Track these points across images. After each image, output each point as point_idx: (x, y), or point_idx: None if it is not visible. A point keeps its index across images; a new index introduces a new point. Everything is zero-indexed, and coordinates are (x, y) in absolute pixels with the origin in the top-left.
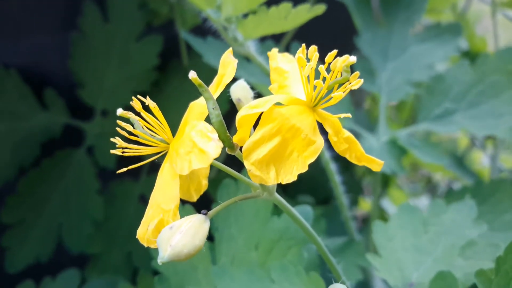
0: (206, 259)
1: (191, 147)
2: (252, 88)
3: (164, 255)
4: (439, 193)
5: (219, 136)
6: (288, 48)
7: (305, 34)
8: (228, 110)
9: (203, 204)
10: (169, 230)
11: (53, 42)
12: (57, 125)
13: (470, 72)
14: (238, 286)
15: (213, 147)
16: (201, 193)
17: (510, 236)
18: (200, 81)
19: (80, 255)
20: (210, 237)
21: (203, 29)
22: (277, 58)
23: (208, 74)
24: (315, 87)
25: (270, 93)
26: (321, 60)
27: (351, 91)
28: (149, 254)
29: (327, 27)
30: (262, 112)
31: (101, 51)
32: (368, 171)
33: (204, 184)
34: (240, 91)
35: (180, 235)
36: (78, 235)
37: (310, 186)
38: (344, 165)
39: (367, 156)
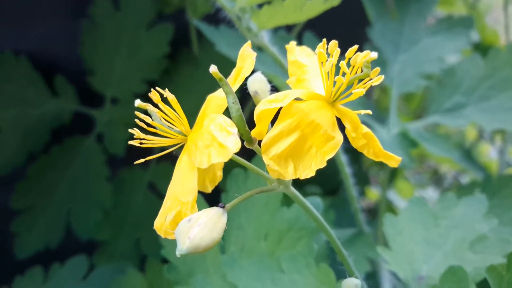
0: (215, 248)
1: (210, 141)
2: (269, 81)
3: (182, 247)
4: (446, 185)
5: (238, 130)
6: (300, 37)
7: (316, 23)
8: (239, 97)
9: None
10: (188, 223)
11: (64, 29)
12: (67, 112)
13: (481, 66)
14: (248, 275)
15: (233, 142)
16: (216, 184)
17: None
18: (220, 75)
19: (89, 241)
20: None
21: (214, 18)
22: (295, 51)
23: (219, 63)
24: (334, 82)
25: (282, 84)
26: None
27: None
28: (158, 241)
29: (339, 17)
30: (281, 107)
31: (112, 39)
32: (376, 163)
33: (219, 175)
34: (258, 83)
35: (198, 228)
36: (86, 222)
37: (318, 177)
38: (353, 157)
39: (385, 152)
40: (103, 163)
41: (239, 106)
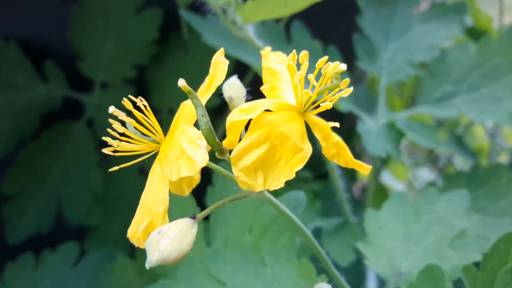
0: (200, 240)
1: (180, 153)
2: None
3: (151, 259)
4: (441, 164)
5: (208, 143)
6: (288, 26)
7: (305, 12)
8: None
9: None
10: (157, 235)
11: (53, 14)
12: (57, 97)
13: (472, 55)
14: (231, 269)
15: (201, 156)
16: (193, 187)
17: (503, 222)
18: (189, 88)
19: (80, 226)
20: (206, 217)
21: (201, 7)
22: (270, 58)
23: (208, 48)
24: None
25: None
26: (321, 38)
27: (352, 66)
28: None
29: (329, 5)
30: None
31: (101, 24)
32: None
33: (197, 178)
34: (233, 89)
35: (167, 240)
36: (77, 207)
37: (309, 161)
38: (344, 139)
39: (355, 161)
40: (93, 148)
41: (208, 118)
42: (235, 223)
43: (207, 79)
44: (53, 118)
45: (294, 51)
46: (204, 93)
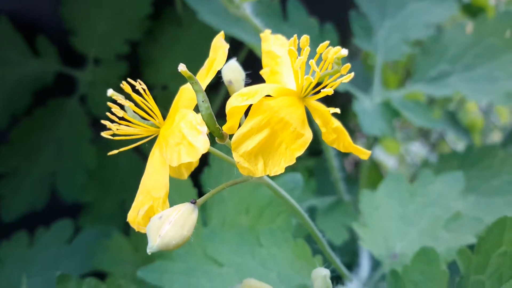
0: (197, 220)
1: (180, 139)
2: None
3: (153, 245)
4: (433, 139)
5: (208, 128)
6: (284, 3)
7: None
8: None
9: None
10: (158, 220)
11: None
12: (49, 73)
13: (467, 34)
14: (228, 249)
15: (202, 142)
16: (192, 170)
17: (495, 202)
18: (189, 73)
19: (74, 204)
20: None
21: None
22: (270, 41)
23: (203, 24)
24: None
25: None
26: (317, 14)
27: (347, 42)
28: None
29: None
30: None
31: None
32: None
33: (195, 162)
34: (232, 73)
35: (169, 225)
36: (71, 184)
37: None
38: (338, 116)
39: (355, 146)
40: (86, 124)
41: (209, 104)
42: (231, 204)
43: (206, 63)
44: (46, 94)
45: (295, 35)
46: (204, 76)
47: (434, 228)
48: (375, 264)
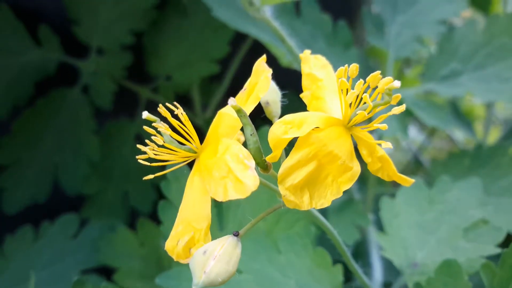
0: (213, 225)
1: (226, 172)
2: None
3: (198, 281)
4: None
5: (255, 161)
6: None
7: None
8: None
9: None
10: (203, 256)
11: None
12: (51, 63)
13: (479, 33)
14: (245, 255)
15: (251, 179)
16: None
17: (503, 202)
18: (239, 106)
19: (77, 196)
20: (218, 202)
21: None
22: (310, 62)
23: (209, 14)
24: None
25: (280, 53)
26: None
27: (353, 27)
28: (146, 194)
29: None
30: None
31: None
32: None
33: None
34: (269, 94)
35: (213, 261)
36: (74, 175)
37: None
38: None
39: (399, 175)
40: (89, 115)
41: (257, 138)
42: (248, 208)
43: (247, 86)
44: (48, 85)
45: (346, 66)
46: (244, 101)
47: (453, 237)
48: (395, 272)
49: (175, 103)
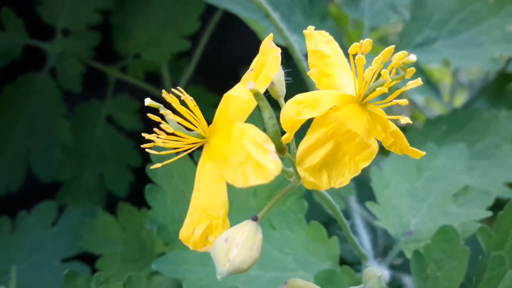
0: None
1: (244, 158)
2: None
3: (223, 270)
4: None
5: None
6: None
7: None
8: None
9: None
10: (225, 243)
11: None
12: (17, 47)
13: None
14: None
15: (274, 163)
16: None
17: (481, 165)
18: (256, 90)
19: (52, 183)
20: None
21: None
22: (316, 39)
23: None
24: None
25: (262, 29)
26: None
27: None
28: (121, 176)
29: None
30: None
31: None
32: None
33: None
34: None
35: (237, 248)
36: (47, 162)
37: None
38: None
39: (411, 148)
40: (59, 99)
41: (276, 121)
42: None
43: (254, 66)
44: (15, 70)
45: (361, 41)
46: (253, 81)
47: (444, 203)
48: (371, 231)
49: (179, 87)
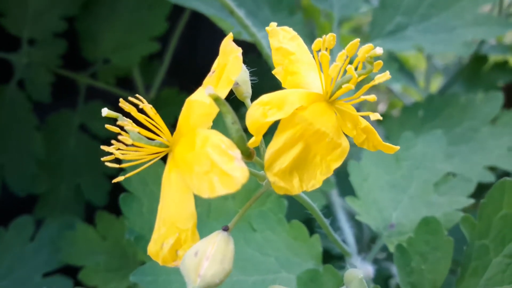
0: None
1: (209, 167)
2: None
3: (194, 286)
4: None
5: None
6: None
7: None
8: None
9: None
10: (194, 257)
11: None
12: None
13: None
14: None
15: (240, 171)
16: None
17: (460, 150)
18: (217, 94)
19: (28, 197)
20: None
21: None
22: (279, 36)
23: None
24: (332, 80)
25: (228, 26)
26: None
27: None
28: (98, 185)
29: None
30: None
31: None
32: None
33: None
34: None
35: (207, 262)
36: (21, 175)
37: None
38: None
39: (384, 144)
40: (29, 111)
41: (240, 126)
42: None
43: (215, 68)
44: None
45: (324, 37)
46: (214, 85)
47: (425, 193)
48: (355, 224)
49: (137, 95)
